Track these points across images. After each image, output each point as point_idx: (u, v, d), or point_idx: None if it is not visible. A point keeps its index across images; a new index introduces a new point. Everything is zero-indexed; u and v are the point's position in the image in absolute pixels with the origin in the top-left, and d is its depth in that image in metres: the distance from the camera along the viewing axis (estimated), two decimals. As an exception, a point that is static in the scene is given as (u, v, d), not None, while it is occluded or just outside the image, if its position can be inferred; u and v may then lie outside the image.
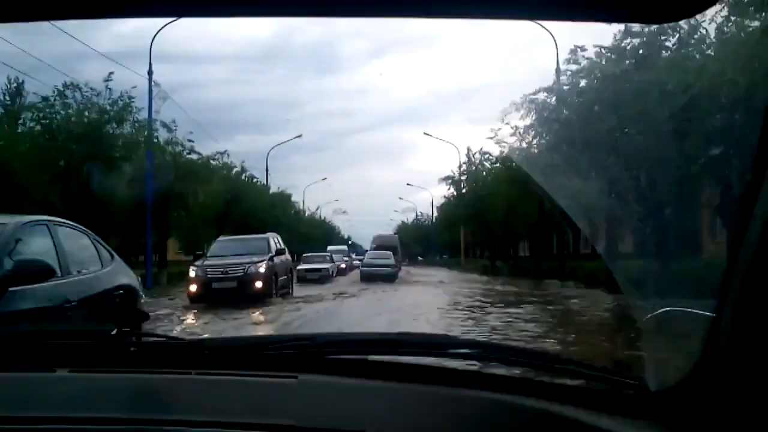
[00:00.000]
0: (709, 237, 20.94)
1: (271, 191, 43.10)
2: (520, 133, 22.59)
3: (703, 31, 14.84)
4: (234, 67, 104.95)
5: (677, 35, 15.24)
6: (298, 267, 30.38)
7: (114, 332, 1.37)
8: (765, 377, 0.82)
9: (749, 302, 0.84)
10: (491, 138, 25.24)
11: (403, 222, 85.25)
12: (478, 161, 34.66)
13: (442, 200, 47.42)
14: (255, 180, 40.30)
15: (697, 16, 14.67)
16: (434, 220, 64.98)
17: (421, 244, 73.49)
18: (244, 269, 16.20)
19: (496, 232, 35.19)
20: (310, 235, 54.56)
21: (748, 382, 0.85)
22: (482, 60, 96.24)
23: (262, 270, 16.39)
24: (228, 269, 16.22)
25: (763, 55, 12.11)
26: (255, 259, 16.52)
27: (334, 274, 32.48)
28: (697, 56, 14.76)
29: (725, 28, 14.02)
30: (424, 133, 59.60)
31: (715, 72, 12.74)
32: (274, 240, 18.81)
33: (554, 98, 17.46)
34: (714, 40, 14.63)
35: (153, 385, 1.25)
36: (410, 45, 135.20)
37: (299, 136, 46.11)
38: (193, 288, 16.19)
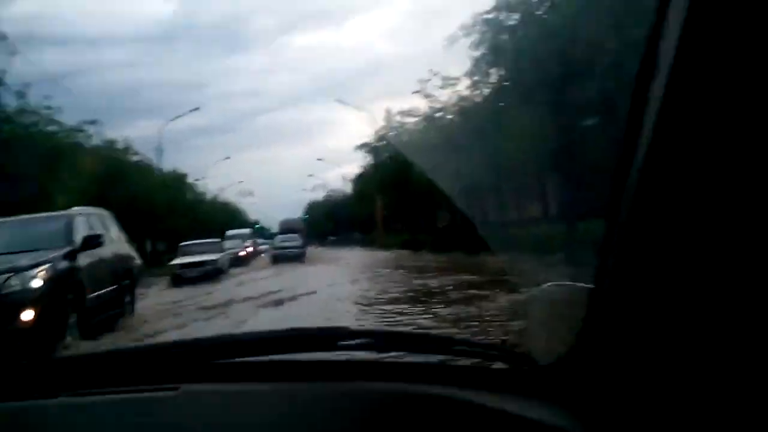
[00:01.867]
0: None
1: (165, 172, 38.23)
2: (450, 84, 19.58)
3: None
4: (134, 49, 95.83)
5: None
6: (171, 263, 23.47)
7: None
8: (644, 346, 0.82)
9: (624, 273, 0.84)
10: (417, 92, 21.79)
11: (313, 201, 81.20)
12: (398, 124, 30.92)
13: (360, 172, 44.02)
14: (141, 160, 35.20)
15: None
16: (347, 195, 61.37)
17: (333, 222, 69.64)
18: None
19: (418, 200, 31.80)
20: (212, 219, 49.70)
21: (629, 352, 0.85)
22: (396, 33, 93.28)
23: (35, 284, 8.21)
24: None
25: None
26: (25, 261, 8.39)
27: (227, 268, 25.20)
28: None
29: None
30: (336, 100, 56.10)
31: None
32: (89, 221, 10.71)
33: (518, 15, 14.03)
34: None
35: (18, 418, 1.12)
36: (321, 20, 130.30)
37: (196, 108, 41.44)
38: None
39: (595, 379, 0.93)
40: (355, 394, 1.15)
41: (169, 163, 45.39)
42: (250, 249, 37.60)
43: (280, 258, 30.60)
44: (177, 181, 39.55)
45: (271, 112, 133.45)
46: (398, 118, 30.59)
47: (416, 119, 27.83)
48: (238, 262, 30.25)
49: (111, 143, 31.16)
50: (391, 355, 1.28)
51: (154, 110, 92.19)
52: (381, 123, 32.97)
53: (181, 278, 21.44)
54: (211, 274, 22.03)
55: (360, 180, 45.38)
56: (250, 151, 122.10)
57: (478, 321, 8.67)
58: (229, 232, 38.85)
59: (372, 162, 34.77)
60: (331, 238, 69.96)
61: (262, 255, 40.20)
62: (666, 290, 0.77)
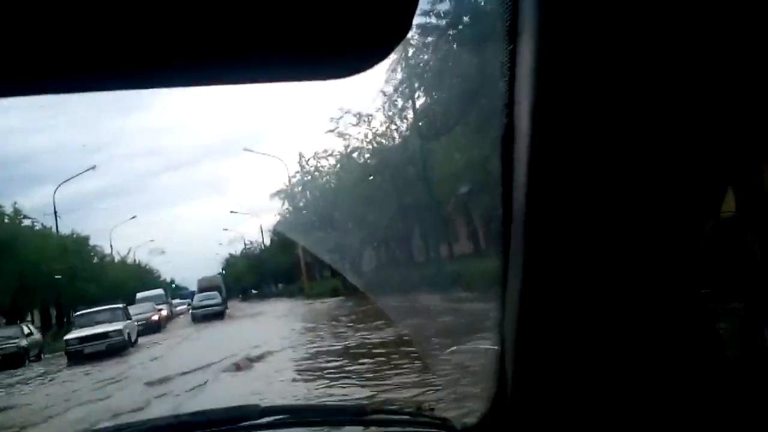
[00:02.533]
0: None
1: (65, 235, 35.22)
2: (365, 120, 18.50)
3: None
4: (24, 115, 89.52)
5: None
6: (66, 337, 20.10)
7: None
8: (554, 406, 0.82)
9: (525, 337, 0.84)
10: (331, 131, 20.61)
11: (230, 254, 77.99)
12: (313, 168, 29.46)
13: (277, 219, 42.08)
14: (35, 225, 32.27)
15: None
16: (265, 246, 58.97)
17: (254, 274, 66.70)
18: None
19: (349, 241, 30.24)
20: (122, 282, 46.25)
21: (540, 411, 0.85)
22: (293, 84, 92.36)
23: None
24: None
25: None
26: None
27: (134, 339, 21.30)
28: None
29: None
30: (244, 149, 54.64)
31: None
32: None
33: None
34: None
35: None
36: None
37: (92, 167, 38.49)
38: None
39: None
40: None
41: (71, 227, 42.29)
42: (165, 312, 34.45)
43: (199, 317, 30.74)
44: (78, 245, 36.48)
45: (176, 169, 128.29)
46: (312, 161, 29.20)
47: (332, 161, 26.50)
48: (151, 328, 26.73)
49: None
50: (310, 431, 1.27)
51: (50, 176, 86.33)
52: (294, 168, 31.49)
53: (80, 355, 18.02)
54: (115, 346, 18.64)
55: (279, 227, 43.49)
56: (157, 209, 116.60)
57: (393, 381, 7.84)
58: (140, 295, 35.74)
59: (290, 209, 33.03)
60: (254, 291, 67.08)
61: (181, 316, 37.49)
62: (571, 338, 0.76)
